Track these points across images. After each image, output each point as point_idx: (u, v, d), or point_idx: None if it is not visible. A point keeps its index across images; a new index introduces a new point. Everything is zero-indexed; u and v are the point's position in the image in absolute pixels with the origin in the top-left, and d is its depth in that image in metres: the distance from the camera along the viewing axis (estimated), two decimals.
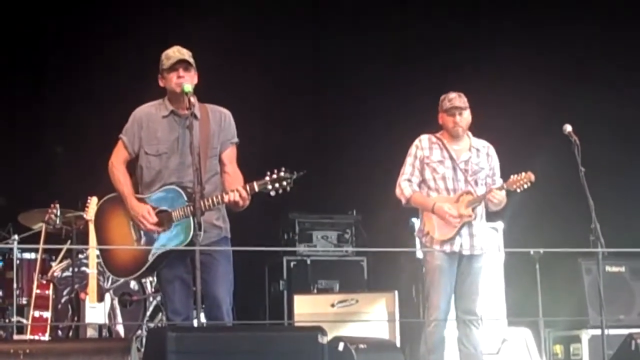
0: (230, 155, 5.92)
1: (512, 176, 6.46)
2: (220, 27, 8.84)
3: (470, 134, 6.74)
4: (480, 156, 6.70)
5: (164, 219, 5.72)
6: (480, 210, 6.61)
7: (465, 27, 9.48)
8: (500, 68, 9.16)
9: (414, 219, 7.33)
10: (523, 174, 6.42)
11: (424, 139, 6.72)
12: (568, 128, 6.39)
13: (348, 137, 9.52)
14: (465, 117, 6.63)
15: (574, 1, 9.41)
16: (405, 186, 6.65)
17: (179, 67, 5.80)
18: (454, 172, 6.61)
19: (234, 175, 5.86)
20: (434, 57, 9.36)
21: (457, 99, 6.61)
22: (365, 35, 9.50)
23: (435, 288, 6.50)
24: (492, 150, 6.77)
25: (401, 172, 6.71)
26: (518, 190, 6.44)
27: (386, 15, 9.51)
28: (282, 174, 5.57)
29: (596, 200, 6.19)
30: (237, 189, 5.63)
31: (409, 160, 6.71)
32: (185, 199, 5.65)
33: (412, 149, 6.72)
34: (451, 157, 6.62)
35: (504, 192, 6.50)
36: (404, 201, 6.67)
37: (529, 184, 6.41)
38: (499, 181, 6.69)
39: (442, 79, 8.54)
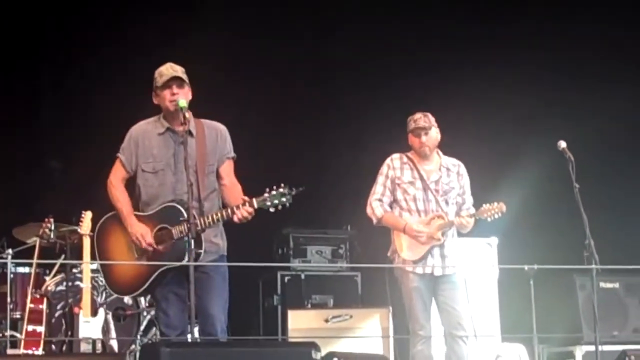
0: (227, 169, 5.92)
1: (484, 205, 6.53)
2: (217, 41, 8.84)
3: (440, 152, 6.77)
4: (451, 175, 6.72)
5: (165, 237, 5.72)
6: (452, 229, 6.64)
7: (458, 38, 9.48)
8: (492, 80, 9.16)
9: None
10: (495, 204, 6.48)
11: (395, 159, 6.73)
12: (562, 144, 6.40)
13: (343, 152, 9.52)
14: (432, 137, 6.65)
15: (567, 9, 9.44)
16: (377, 206, 6.66)
17: (173, 84, 5.79)
18: (424, 193, 6.63)
19: (232, 187, 5.87)
20: (430, 74, 9.37)
21: (421, 119, 6.63)
22: (364, 53, 9.50)
23: (415, 309, 6.53)
24: (462, 169, 6.79)
25: (372, 191, 6.72)
26: (489, 220, 6.51)
27: (384, 31, 9.52)
28: (281, 190, 5.58)
29: (590, 216, 6.19)
30: (242, 208, 5.58)
31: (380, 179, 6.72)
32: (185, 216, 5.64)
33: (384, 169, 6.74)
34: (422, 178, 6.64)
35: (472, 220, 6.54)
36: (374, 221, 6.70)
37: (500, 214, 6.47)
38: (470, 199, 6.75)
39: (438, 95, 8.56)
